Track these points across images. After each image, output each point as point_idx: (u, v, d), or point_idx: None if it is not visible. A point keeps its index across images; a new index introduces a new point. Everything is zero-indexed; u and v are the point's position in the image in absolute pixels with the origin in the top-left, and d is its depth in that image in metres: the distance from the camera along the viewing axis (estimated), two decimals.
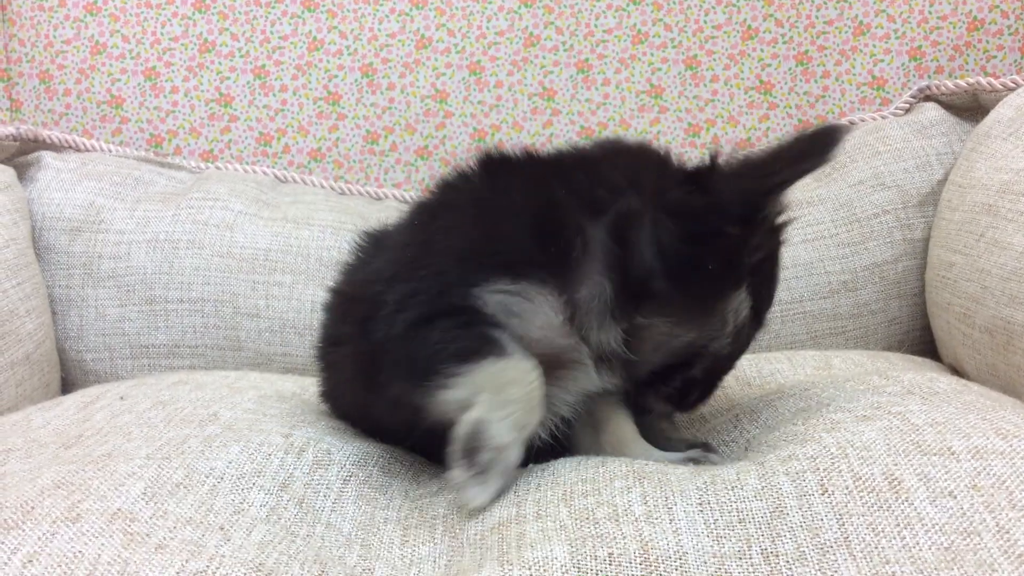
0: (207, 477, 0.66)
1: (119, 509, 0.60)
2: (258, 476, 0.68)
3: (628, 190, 0.70)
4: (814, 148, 0.68)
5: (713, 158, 0.70)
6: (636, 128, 1.48)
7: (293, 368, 1.15)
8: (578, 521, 0.61)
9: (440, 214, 0.75)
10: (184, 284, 1.16)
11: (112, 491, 0.62)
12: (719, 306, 0.71)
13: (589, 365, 0.71)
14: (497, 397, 0.65)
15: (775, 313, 1.13)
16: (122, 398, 0.83)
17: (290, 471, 0.70)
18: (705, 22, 1.45)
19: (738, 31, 1.45)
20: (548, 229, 0.69)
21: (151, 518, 0.60)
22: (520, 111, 1.50)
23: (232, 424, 0.75)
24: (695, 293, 0.70)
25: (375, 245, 0.81)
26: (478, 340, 0.67)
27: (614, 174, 0.72)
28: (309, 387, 0.95)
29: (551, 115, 1.50)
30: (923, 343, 1.13)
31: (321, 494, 0.69)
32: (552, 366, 0.70)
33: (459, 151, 1.51)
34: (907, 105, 1.23)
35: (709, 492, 0.61)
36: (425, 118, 1.51)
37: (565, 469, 0.69)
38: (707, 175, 0.70)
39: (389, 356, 0.69)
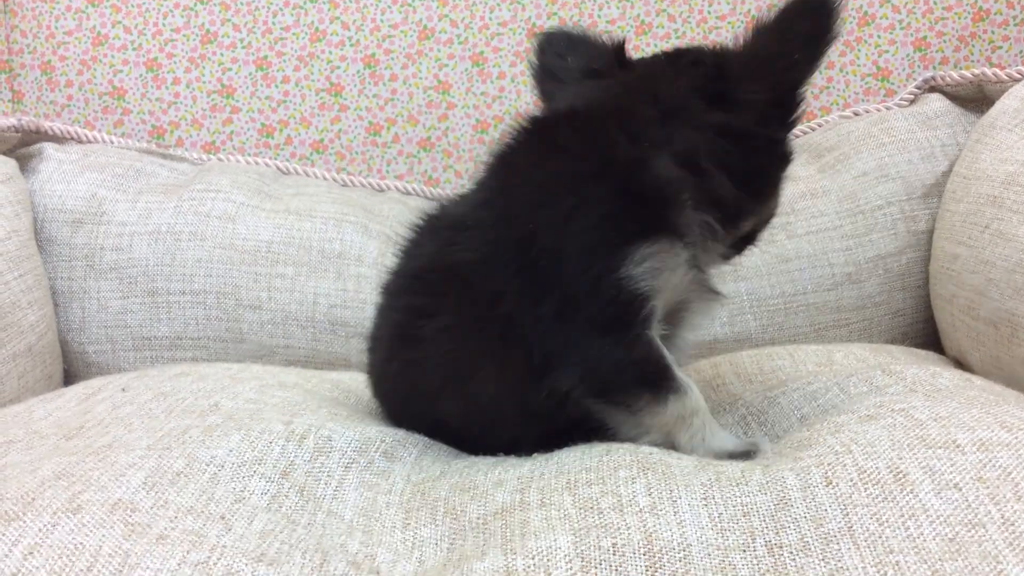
0: (208, 466, 0.66)
1: (120, 499, 0.60)
2: (259, 464, 0.68)
3: (675, 122, 0.73)
4: (815, 26, 0.72)
5: (728, 64, 0.75)
6: None
7: (295, 360, 1.15)
8: (582, 510, 0.61)
9: (536, 183, 0.75)
10: (186, 276, 1.16)
11: (113, 481, 0.62)
12: (780, 189, 0.79)
13: (708, 298, 0.77)
14: (688, 431, 0.73)
15: (779, 305, 1.13)
16: (123, 389, 0.83)
17: (291, 459, 0.70)
18: (709, 12, 1.45)
19: (742, 23, 1.45)
20: (641, 185, 0.71)
21: (152, 508, 0.60)
22: (523, 102, 1.49)
23: (233, 413, 0.75)
24: (766, 190, 0.78)
25: (432, 225, 0.83)
26: (658, 371, 0.72)
27: (654, 110, 0.74)
28: (311, 378, 0.94)
29: None
30: (927, 335, 1.13)
31: (322, 481, 0.69)
32: (676, 310, 0.76)
33: (462, 143, 1.51)
34: (912, 96, 1.23)
35: (714, 487, 0.61)
36: (428, 109, 1.50)
37: (570, 458, 0.68)
38: (735, 82, 0.74)
39: (545, 341, 0.71)
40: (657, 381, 0.72)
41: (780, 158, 0.77)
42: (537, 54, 0.85)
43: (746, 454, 0.71)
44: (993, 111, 1.07)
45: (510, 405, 0.75)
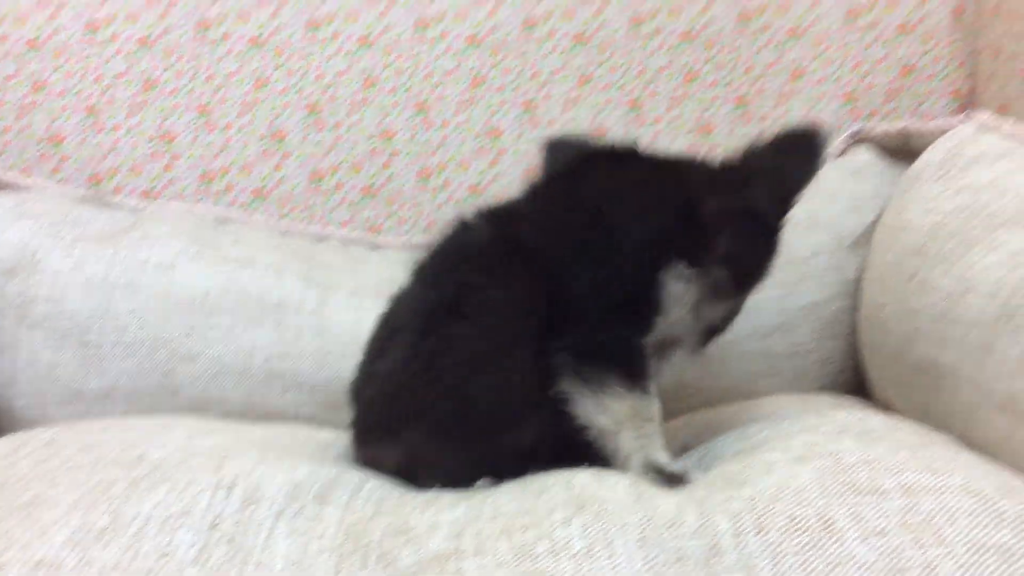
0: (133, 520, 0.65)
1: (43, 558, 0.59)
2: (186, 516, 0.67)
3: (717, 185, 0.85)
4: (802, 156, 0.87)
5: (749, 168, 0.86)
6: None
7: (230, 414, 1.13)
8: (518, 557, 0.60)
9: (589, 197, 0.86)
10: (120, 327, 1.14)
11: (36, 540, 0.61)
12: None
13: (692, 341, 0.88)
14: (635, 431, 0.79)
15: (713, 353, 1.14)
16: (48, 444, 0.81)
17: (219, 510, 0.69)
18: (648, 65, 1.48)
19: (679, 74, 1.48)
20: (689, 220, 0.82)
21: (76, 566, 0.59)
22: (466, 150, 1.50)
23: (160, 464, 0.74)
24: (766, 268, 0.89)
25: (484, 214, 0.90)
26: (637, 368, 0.81)
27: (702, 173, 0.87)
28: (243, 426, 0.93)
29: (497, 154, 1.51)
30: (856, 383, 1.15)
31: (252, 532, 0.68)
32: (663, 346, 0.84)
33: (405, 190, 1.51)
34: (841, 148, 1.26)
35: (649, 528, 0.62)
36: (371, 157, 1.51)
37: (505, 499, 0.68)
38: (750, 183, 0.85)
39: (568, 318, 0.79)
40: (632, 374, 0.80)
41: (777, 247, 0.89)
42: (547, 158, 0.97)
43: (675, 477, 0.74)
44: (918, 163, 1.10)
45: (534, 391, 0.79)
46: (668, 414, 1.02)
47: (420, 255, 0.91)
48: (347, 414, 0.89)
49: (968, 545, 0.57)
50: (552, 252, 0.81)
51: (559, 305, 0.79)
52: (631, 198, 0.84)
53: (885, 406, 1.05)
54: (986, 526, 0.58)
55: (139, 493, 0.68)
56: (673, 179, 0.85)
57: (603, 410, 0.78)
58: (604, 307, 0.80)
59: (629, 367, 0.80)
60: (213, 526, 0.66)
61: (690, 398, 1.14)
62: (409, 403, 0.80)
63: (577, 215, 0.84)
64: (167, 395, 1.14)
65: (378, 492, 0.76)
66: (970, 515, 0.59)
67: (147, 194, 1.49)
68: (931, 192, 1.03)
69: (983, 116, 1.07)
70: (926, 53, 1.45)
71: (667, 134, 1.48)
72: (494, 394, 0.78)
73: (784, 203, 0.87)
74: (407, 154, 1.51)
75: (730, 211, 0.83)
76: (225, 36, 1.48)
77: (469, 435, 0.79)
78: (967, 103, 1.44)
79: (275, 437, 0.91)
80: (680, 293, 0.81)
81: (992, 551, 0.56)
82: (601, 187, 0.86)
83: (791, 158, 0.87)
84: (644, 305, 0.81)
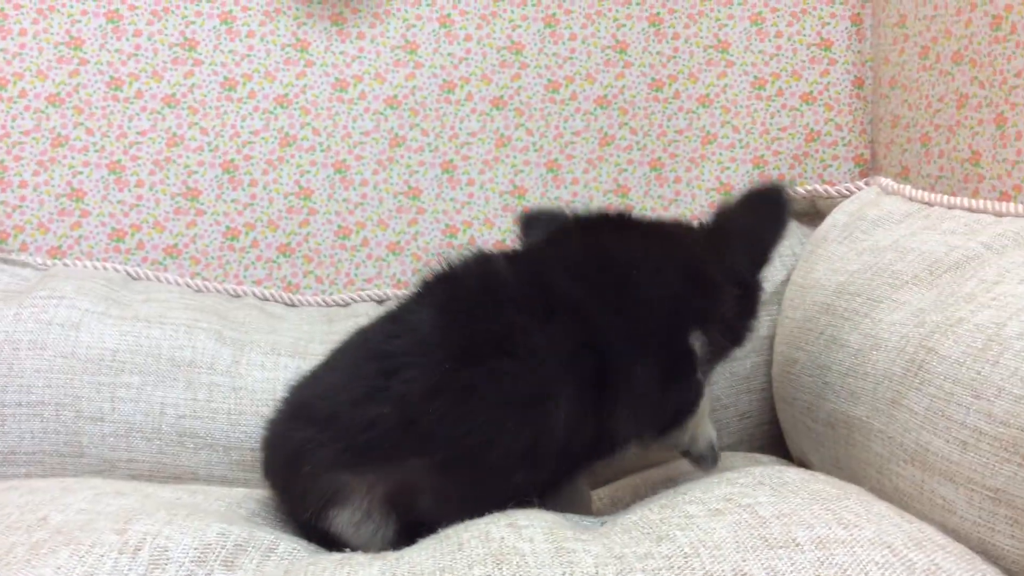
0: None
1: None
2: None
3: (710, 257, 0.90)
4: (772, 215, 0.93)
5: (726, 230, 0.93)
6: (500, 227, 1.51)
7: (139, 475, 1.10)
8: None
9: (626, 262, 0.88)
10: (24, 387, 1.10)
11: None
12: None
13: None
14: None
15: None
16: None
17: (124, 572, 0.66)
18: (565, 128, 1.51)
19: (595, 138, 1.51)
20: (699, 287, 0.87)
21: None
22: (385, 209, 1.50)
23: (62, 527, 0.71)
24: (753, 327, 0.94)
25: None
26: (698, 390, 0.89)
27: (695, 241, 0.93)
28: (152, 487, 0.90)
29: (416, 213, 1.51)
30: (772, 436, 1.17)
31: None
32: None
33: (323, 248, 1.50)
34: None
35: None
36: (288, 215, 1.50)
37: (421, 556, 0.67)
38: (731, 245, 0.92)
39: (637, 392, 0.83)
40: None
41: (759, 306, 0.95)
42: (523, 229, 1.01)
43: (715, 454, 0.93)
44: (825, 225, 1.14)
45: (569, 433, 0.80)
46: (597, 481, 1.03)
47: (425, 279, 0.90)
48: (275, 454, 0.87)
49: None
50: (592, 309, 0.82)
51: (597, 357, 0.81)
52: (656, 263, 0.87)
53: (800, 459, 1.07)
54: None
55: (40, 558, 0.64)
56: (678, 246, 0.91)
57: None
58: (651, 367, 0.83)
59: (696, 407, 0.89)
60: None
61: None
62: (431, 430, 0.77)
63: (610, 276, 0.85)
64: (73, 457, 1.10)
65: (291, 554, 0.74)
66: (882, 567, 0.60)
67: (55, 252, 1.45)
68: (837, 252, 1.07)
69: (884, 181, 1.12)
70: (829, 121, 1.52)
71: (584, 194, 1.51)
72: (529, 435, 0.78)
73: (762, 262, 0.94)
74: (325, 212, 1.50)
75: (728, 276, 0.88)
76: (138, 94, 1.47)
77: (491, 471, 0.78)
78: (869, 168, 1.51)
79: (186, 496, 0.88)
80: (702, 355, 0.86)
81: None
82: (624, 249, 0.88)
83: (763, 218, 0.94)
84: (684, 366, 0.86)
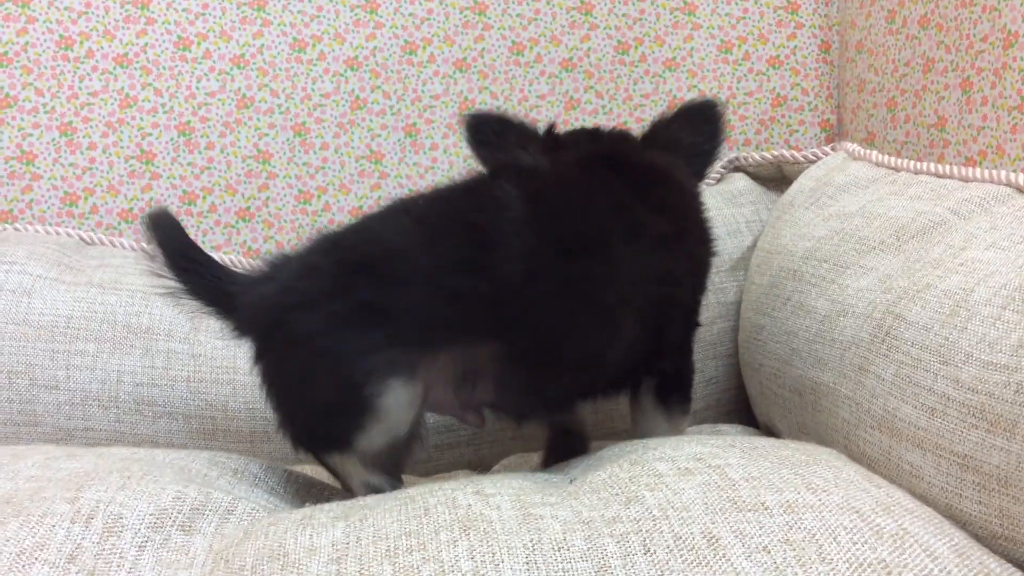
0: None
1: None
2: (41, 550, 0.63)
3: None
4: (707, 132, 0.96)
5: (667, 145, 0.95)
6: None
7: (97, 444, 1.07)
8: None
9: None
10: None
11: None
12: None
13: None
14: None
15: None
16: None
17: (77, 541, 0.64)
18: (530, 91, 1.49)
19: (561, 102, 1.49)
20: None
21: None
22: (347, 173, 1.48)
23: (11, 497, 0.69)
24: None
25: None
26: None
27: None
28: (104, 449, 0.88)
29: (379, 178, 1.49)
30: (739, 402, 1.17)
31: (115, 564, 0.64)
32: None
33: (283, 213, 1.47)
34: (718, 175, 1.30)
35: (536, 551, 0.61)
36: (247, 179, 1.47)
37: (387, 520, 0.66)
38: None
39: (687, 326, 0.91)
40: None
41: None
42: (472, 131, 0.95)
43: None
44: (791, 190, 1.14)
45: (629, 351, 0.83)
46: None
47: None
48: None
49: (849, 562, 0.58)
50: (669, 243, 0.86)
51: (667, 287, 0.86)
52: (697, 206, 0.95)
53: (767, 425, 1.08)
54: (866, 542, 0.59)
55: None
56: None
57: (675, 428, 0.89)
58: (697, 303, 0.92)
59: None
60: (72, 558, 0.62)
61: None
62: (519, 315, 0.77)
63: (673, 214, 0.88)
64: (27, 426, 1.08)
65: (250, 514, 0.73)
66: (850, 532, 0.60)
67: (5, 216, 1.41)
68: (804, 218, 1.07)
69: (851, 146, 1.12)
70: (795, 85, 1.51)
71: None
72: (601, 341, 0.81)
73: (700, 178, 0.97)
74: (285, 176, 1.47)
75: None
76: (89, 53, 1.42)
77: (555, 367, 0.80)
78: (835, 133, 1.51)
79: (142, 457, 0.86)
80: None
81: (872, 567, 0.57)
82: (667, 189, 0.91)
83: (698, 133, 0.96)
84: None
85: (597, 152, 0.90)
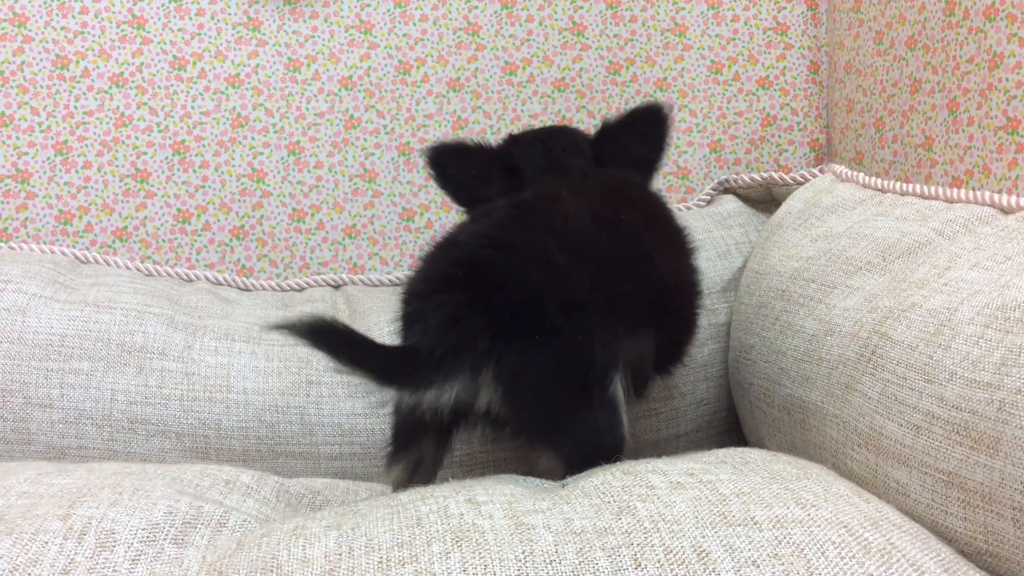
0: None
1: None
2: (34, 566, 0.63)
3: None
4: (653, 136, 1.00)
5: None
6: (458, 211, 1.50)
7: (90, 462, 1.08)
8: None
9: None
10: None
11: None
12: None
13: None
14: None
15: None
16: None
17: (71, 556, 0.65)
18: (522, 111, 1.50)
19: (553, 121, 1.51)
20: None
21: None
22: (341, 192, 1.49)
23: (3, 514, 0.69)
24: None
25: None
26: None
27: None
28: (95, 464, 0.88)
29: (373, 196, 1.50)
30: (729, 423, 1.18)
31: None
32: None
33: (277, 231, 1.48)
34: (708, 197, 1.31)
35: (528, 564, 0.61)
36: (241, 197, 1.47)
37: (379, 530, 0.66)
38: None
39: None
40: None
41: None
42: (435, 164, 1.00)
43: None
44: (780, 211, 1.15)
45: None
46: None
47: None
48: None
49: None
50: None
51: None
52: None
53: (756, 445, 1.08)
54: (853, 557, 0.60)
55: None
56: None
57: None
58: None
59: None
60: (65, 574, 0.63)
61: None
62: (672, 305, 0.93)
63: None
64: (20, 444, 1.08)
65: (243, 526, 0.73)
66: (838, 547, 0.61)
67: (0, 235, 1.42)
68: (792, 239, 1.08)
69: (838, 168, 1.13)
70: (785, 105, 1.53)
71: None
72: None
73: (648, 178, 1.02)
74: (279, 195, 1.48)
75: None
76: (85, 73, 1.43)
77: (672, 348, 0.97)
78: (824, 153, 1.52)
79: (133, 471, 0.86)
80: None
81: None
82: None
83: (646, 141, 1.01)
84: None
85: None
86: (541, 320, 0.78)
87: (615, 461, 0.79)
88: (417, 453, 0.90)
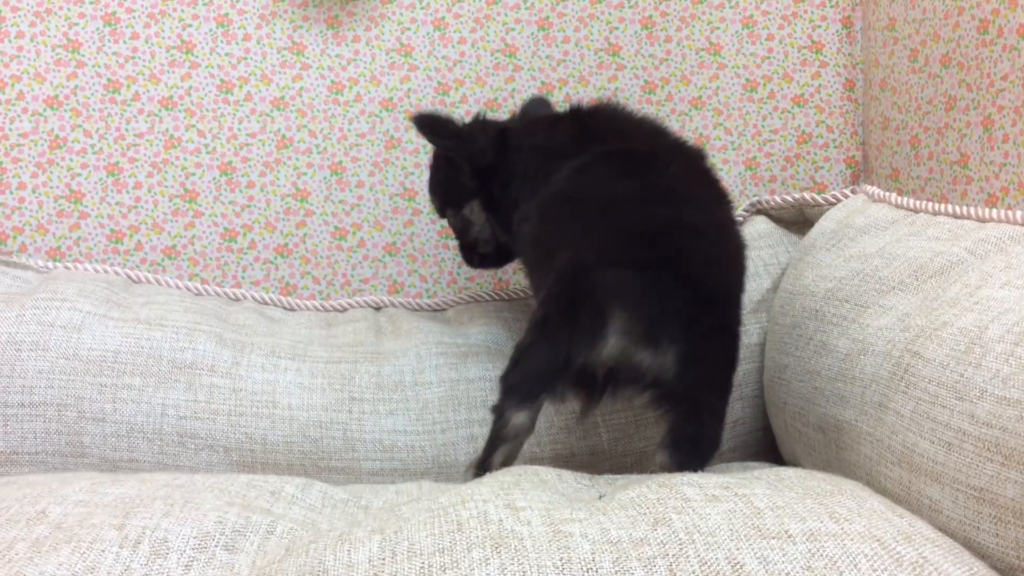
0: None
1: None
2: (92, 573, 0.66)
3: None
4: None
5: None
6: None
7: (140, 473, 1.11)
8: None
9: None
10: (26, 388, 1.11)
11: None
12: None
13: None
14: None
15: (628, 418, 1.16)
16: None
17: (127, 564, 0.68)
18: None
19: None
20: None
21: None
22: (381, 210, 1.52)
23: (62, 522, 0.72)
24: None
25: None
26: None
27: None
28: (146, 475, 0.91)
29: (412, 215, 1.53)
30: (765, 442, 1.18)
31: None
32: None
33: (320, 249, 1.52)
34: (740, 218, 1.32)
35: (566, 571, 0.62)
36: (285, 216, 1.51)
37: (420, 534, 0.68)
38: None
39: None
40: None
41: None
42: (425, 127, 1.19)
43: None
44: (813, 232, 1.16)
45: None
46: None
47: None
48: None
49: None
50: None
51: None
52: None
53: (793, 463, 1.09)
54: (886, 570, 0.61)
55: (42, 555, 0.67)
56: None
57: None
58: None
59: None
60: None
61: (600, 464, 1.16)
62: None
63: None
64: (74, 457, 1.11)
65: (290, 533, 0.76)
66: (871, 560, 0.62)
67: (53, 253, 1.46)
68: (825, 259, 1.09)
69: (871, 188, 1.14)
70: (820, 123, 1.54)
71: None
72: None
73: None
74: (322, 214, 1.52)
75: None
76: (136, 96, 1.48)
77: None
78: (860, 171, 1.53)
79: (183, 483, 0.89)
80: None
81: None
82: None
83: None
84: None
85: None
86: (713, 310, 0.91)
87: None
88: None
